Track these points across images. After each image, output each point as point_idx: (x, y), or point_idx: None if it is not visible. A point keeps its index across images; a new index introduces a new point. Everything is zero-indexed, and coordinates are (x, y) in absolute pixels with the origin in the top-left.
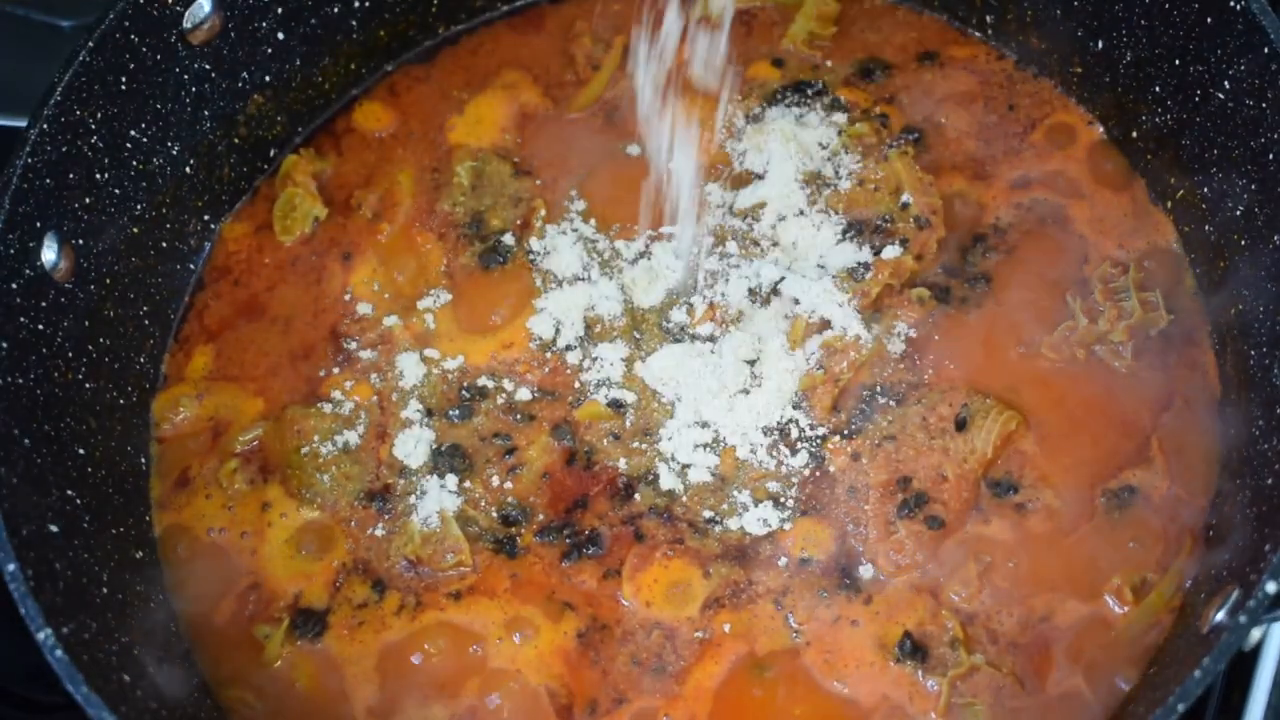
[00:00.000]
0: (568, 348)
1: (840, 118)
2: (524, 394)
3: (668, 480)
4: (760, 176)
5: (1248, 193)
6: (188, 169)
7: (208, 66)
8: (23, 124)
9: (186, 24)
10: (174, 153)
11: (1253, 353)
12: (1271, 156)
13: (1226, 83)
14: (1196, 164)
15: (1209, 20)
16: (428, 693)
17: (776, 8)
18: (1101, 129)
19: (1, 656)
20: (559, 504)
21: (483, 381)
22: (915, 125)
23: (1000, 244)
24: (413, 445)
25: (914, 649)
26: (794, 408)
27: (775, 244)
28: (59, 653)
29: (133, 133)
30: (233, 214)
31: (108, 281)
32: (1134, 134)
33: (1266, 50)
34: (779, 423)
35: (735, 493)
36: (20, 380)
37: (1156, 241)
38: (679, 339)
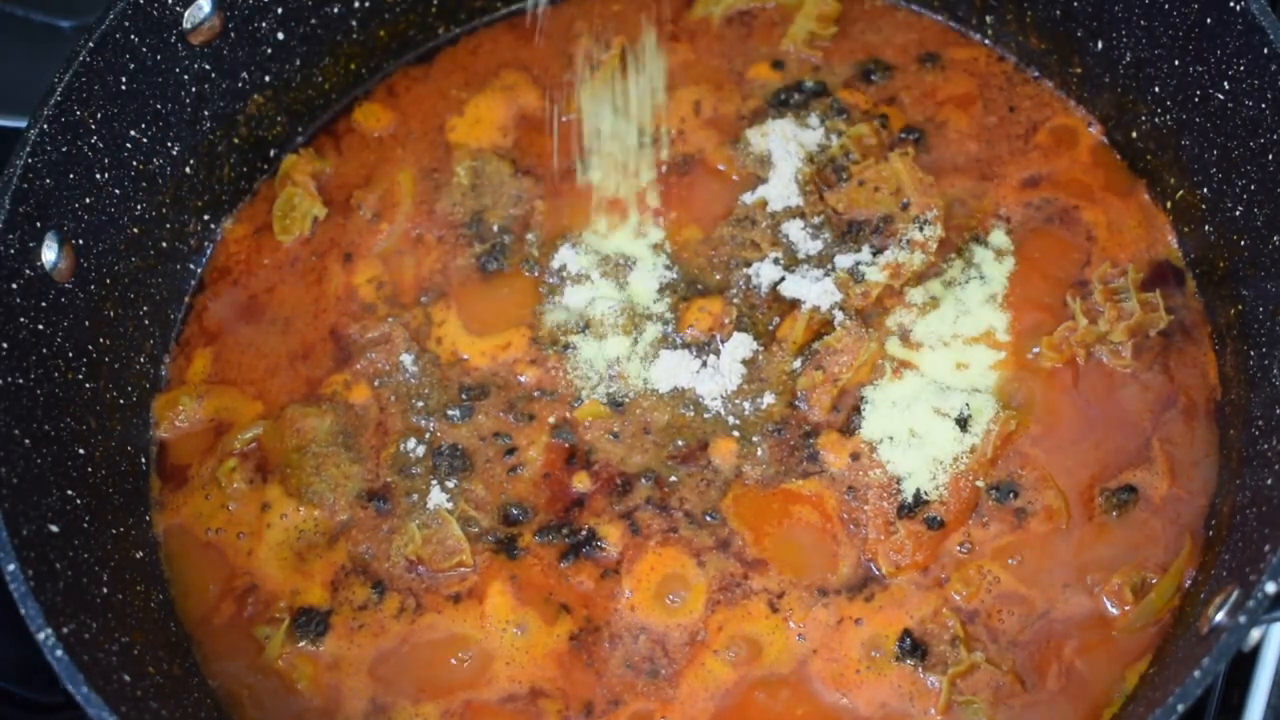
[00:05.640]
0: (567, 347)
1: (840, 119)
2: (524, 394)
3: (665, 477)
4: (760, 177)
5: (1248, 193)
6: (188, 169)
7: (208, 66)
8: (23, 124)
9: (186, 24)
10: (174, 153)
11: (1253, 353)
12: (1271, 156)
13: (1226, 83)
14: (1196, 164)
15: (1209, 20)
16: (425, 693)
17: (777, 8)
18: (1101, 130)
19: (1, 656)
20: (558, 503)
21: (483, 381)
22: (916, 126)
23: (1001, 244)
24: (413, 445)
25: (914, 647)
26: (793, 407)
27: (775, 244)
28: (59, 653)
29: (133, 133)
30: (233, 214)
31: (108, 281)
32: (1134, 135)
33: (1266, 50)
34: (778, 422)
35: (733, 491)
36: (20, 380)
37: (1157, 242)
38: (678, 338)
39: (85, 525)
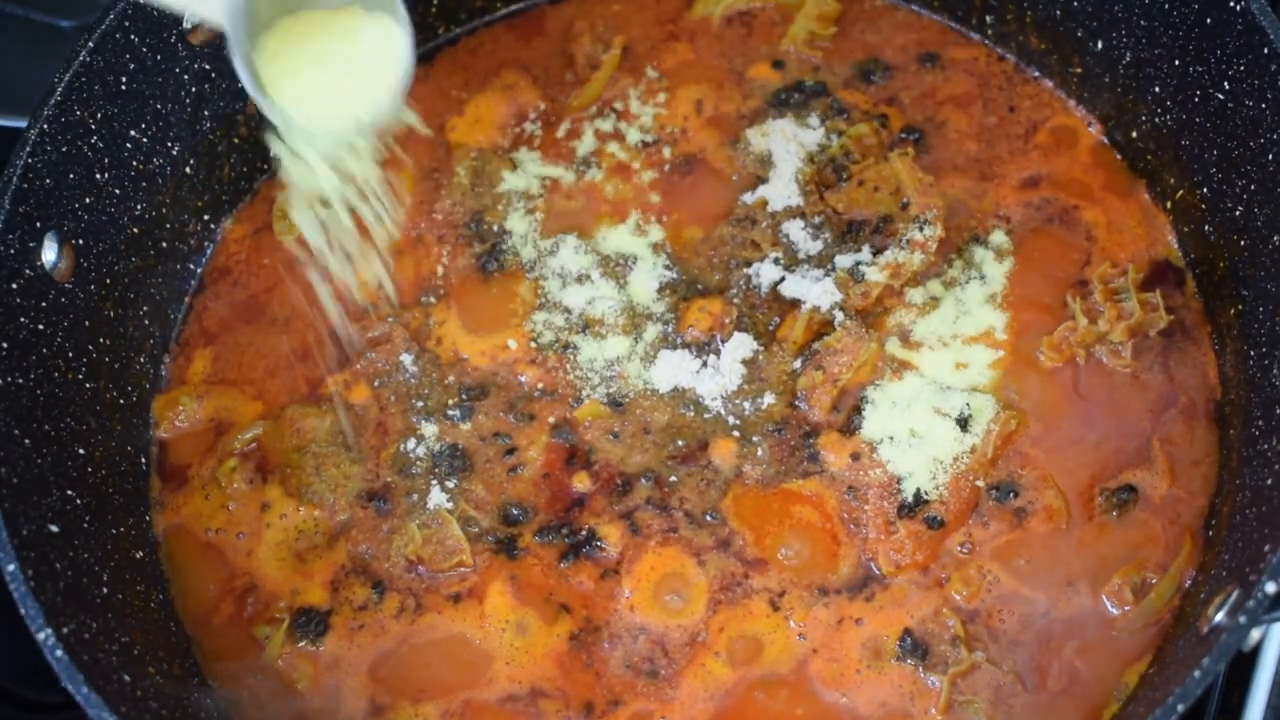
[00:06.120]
0: (567, 347)
1: (840, 119)
2: (524, 394)
3: (665, 477)
4: (761, 177)
5: (1248, 193)
6: (188, 169)
7: (208, 66)
8: (23, 124)
9: (186, 24)
10: (174, 153)
11: (1252, 353)
12: (1271, 156)
13: (1226, 83)
14: (1196, 164)
15: (1209, 20)
16: (425, 693)
17: (777, 8)
18: (1101, 130)
19: (1, 656)
20: (558, 503)
21: (483, 381)
22: (916, 126)
23: (1001, 244)
24: (413, 445)
25: (915, 647)
26: (793, 407)
27: (775, 244)
28: (59, 653)
29: (133, 133)
30: (233, 214)
31: (108, 281)
32: (1134, 135)
33: (1266, 50)
34: (778, 422)
35: (733, 491)
36: (20, 380)
37: (1157, 242)
38: (678, 338)
39: (85, 525)
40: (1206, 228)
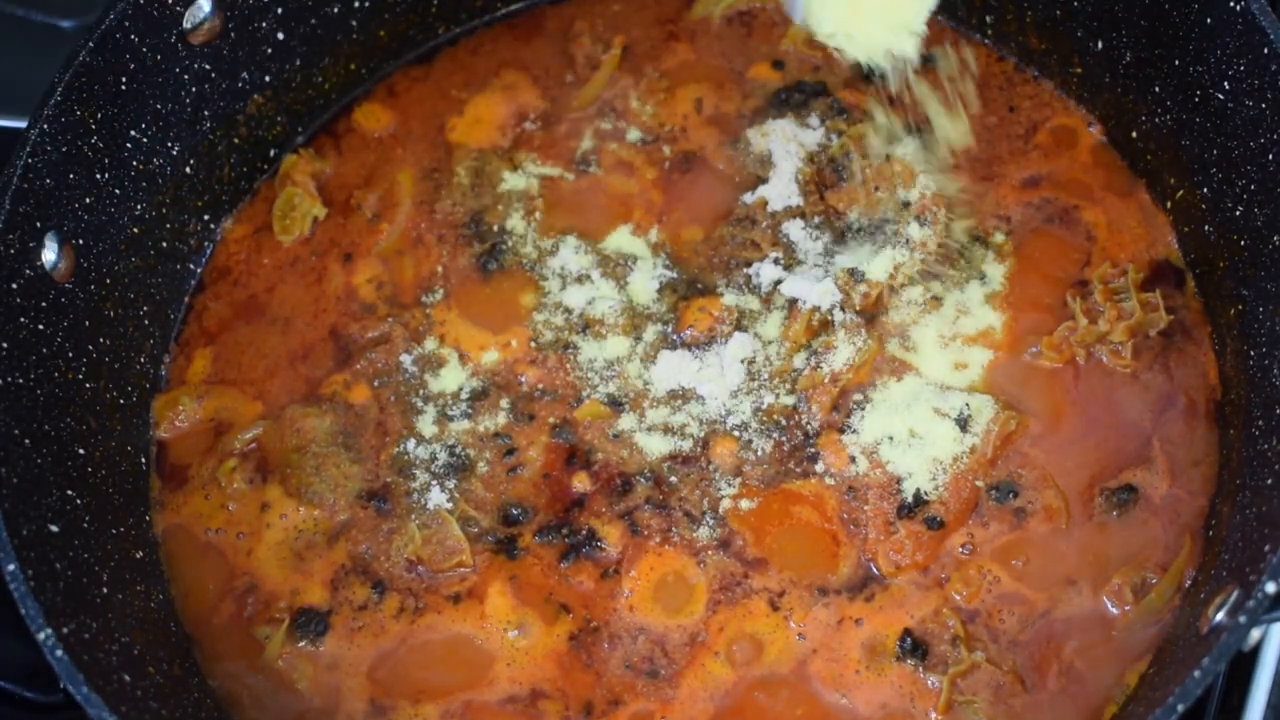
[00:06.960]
0: (567, 347)
1: (840, 119)
2: (524, 394)
3: (665, 477)
4: (761, 177)
5: (1248, 193)
6: (188, 169)
7: (208, 66)
8: (23, 124)
9: (186, 24)
10: (174, 153)
11: (1253, 353)
12: (1271, 156)
13: (1226, 83)
14: (1196, 164)
15: (1209, 20)
16: (425, 693)
17: (777, 8)
18: (1101, 130)
19: (1, 656)
20: (558, 503)
21: (483, 381)
22: (916, 126)
23: (1001, 244)
24: (413, 445)
25: (914, 647)
26: (794, 407)
27: (775, 244)
28: (59, 653)
29: (133, 133)
30: (233, 215)
31: (108, 281)
32: (1134, 134)
33: (1266, 50)
34: (778, 423)
35: (732, 491)
36: (20, 380)
37: (1157, 242)
38: (679, 338)
39: (85, 525)
40: (1206, 228)
